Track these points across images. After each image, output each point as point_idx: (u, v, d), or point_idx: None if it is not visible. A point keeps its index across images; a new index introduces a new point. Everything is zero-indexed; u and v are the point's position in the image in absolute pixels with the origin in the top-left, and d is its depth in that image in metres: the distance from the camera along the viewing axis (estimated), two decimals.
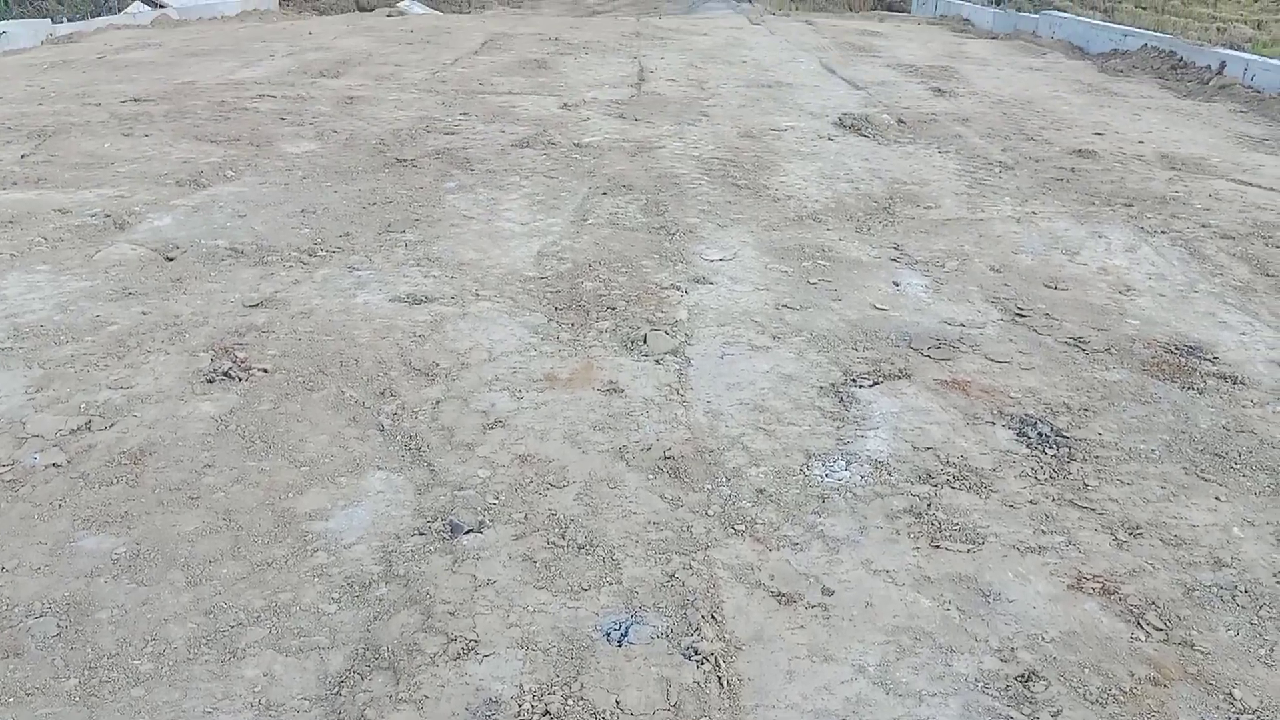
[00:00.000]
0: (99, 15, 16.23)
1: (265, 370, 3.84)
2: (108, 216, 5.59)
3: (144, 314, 4.33)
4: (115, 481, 3.11)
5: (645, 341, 4.22)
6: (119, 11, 16.79)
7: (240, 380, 3.75)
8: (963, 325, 4.44)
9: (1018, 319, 4.51)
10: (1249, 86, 10.24)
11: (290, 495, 3.07)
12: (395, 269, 4.98)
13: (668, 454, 3.33)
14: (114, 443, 3.32)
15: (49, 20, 14.63)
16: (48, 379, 3.73)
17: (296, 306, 4.46)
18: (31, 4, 17.03)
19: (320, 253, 5.18)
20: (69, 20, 15.32)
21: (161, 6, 17.27)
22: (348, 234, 5.48)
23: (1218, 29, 18.48)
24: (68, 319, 4.26)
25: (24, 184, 6.24)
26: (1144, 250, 5.44)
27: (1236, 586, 2.74)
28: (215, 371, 3.79)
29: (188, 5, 17.73)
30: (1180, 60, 11.84)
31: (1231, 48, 12.28)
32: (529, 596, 2.65)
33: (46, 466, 3.17)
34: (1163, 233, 5.72)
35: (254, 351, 4.00)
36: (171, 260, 4.99)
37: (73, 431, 3.38)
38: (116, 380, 3.73)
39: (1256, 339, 4.33)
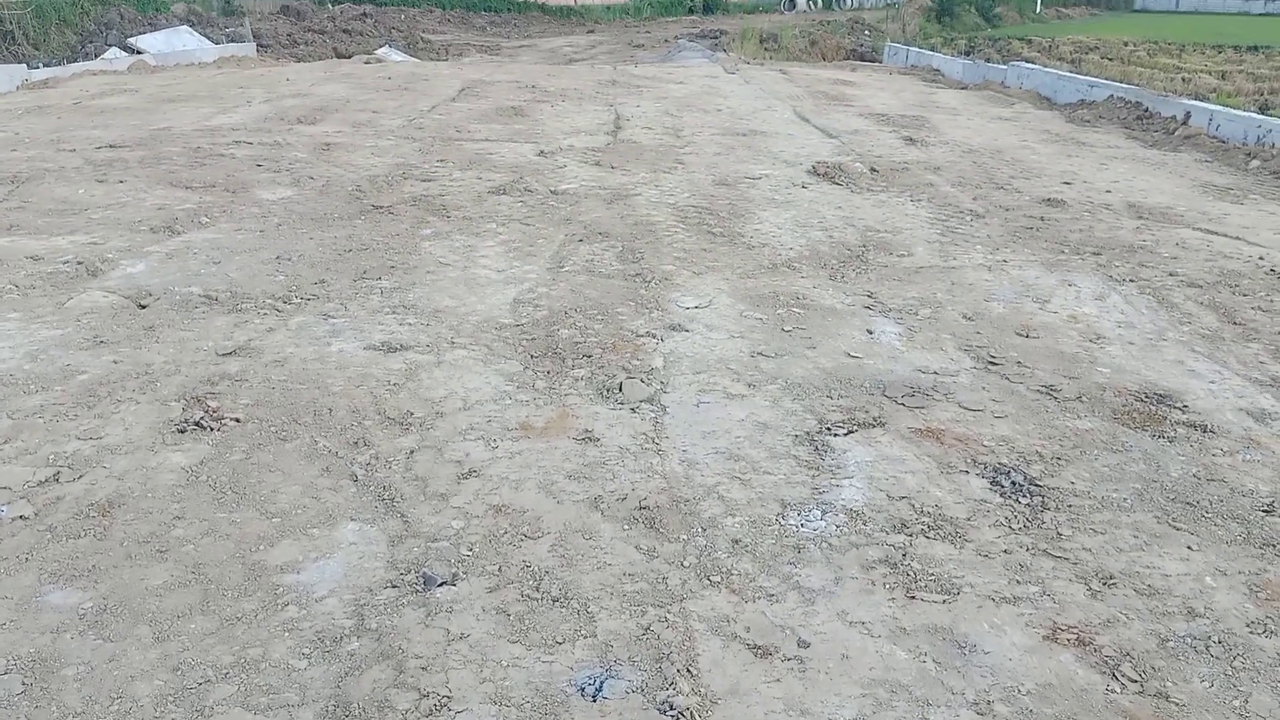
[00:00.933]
0: (76, 61, 16.26)
1: (237, 420, 3.80)
2: (80, 263, 5.56)
3: (115, 363, 4.30)
4: (83, 534, 3.06)
5: (621, 389, 4.22)
6: (96, 57, 16.82)
7: (212, 430, 3.72)
8: (936, 373, 4.47)
9: (990, 367, 4.55)
10: (1214, 136, 10.46)
11: (261, 547, 3.03)
12: (370, 316, 4.97)
13: (643, 504, 3.32)
14: (82, 494, 3.27)
15: (25, 66, 14.63)
16: (16, 429, 3.69)
17: (270, 355, 4.44)
18: (8, 49, 17.05)
19: (295, 300, 5.16)
20: (45, 65, 15.33)
21: (139, 53, 17.32)
22: (323, 281, 5.47)
23: (1183, 79, 18.90)
24: (38, 368, 4.22)
25: None
26: (1113, 299, 5.51)
27: (1210, 637, 2.75)
28: (186, 421, 3.76)
29: (165, 51, 17.79)
30: (1146, 110, 12.09)
31: (1196, 98, 12.56)
32: (503, 650, 2.62)
33: (14, 519, 3.12)
34: (1131, 281, 5.80)
35: (226, 400, 3.97)
36: (144, 308, 4.96)
37: (41, 483, 3.33)
38: (86, 430, 3.69)
39: (1225, 387, 4.38)
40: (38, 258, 5.67)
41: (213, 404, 3.92)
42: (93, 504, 3.22)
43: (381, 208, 7.06)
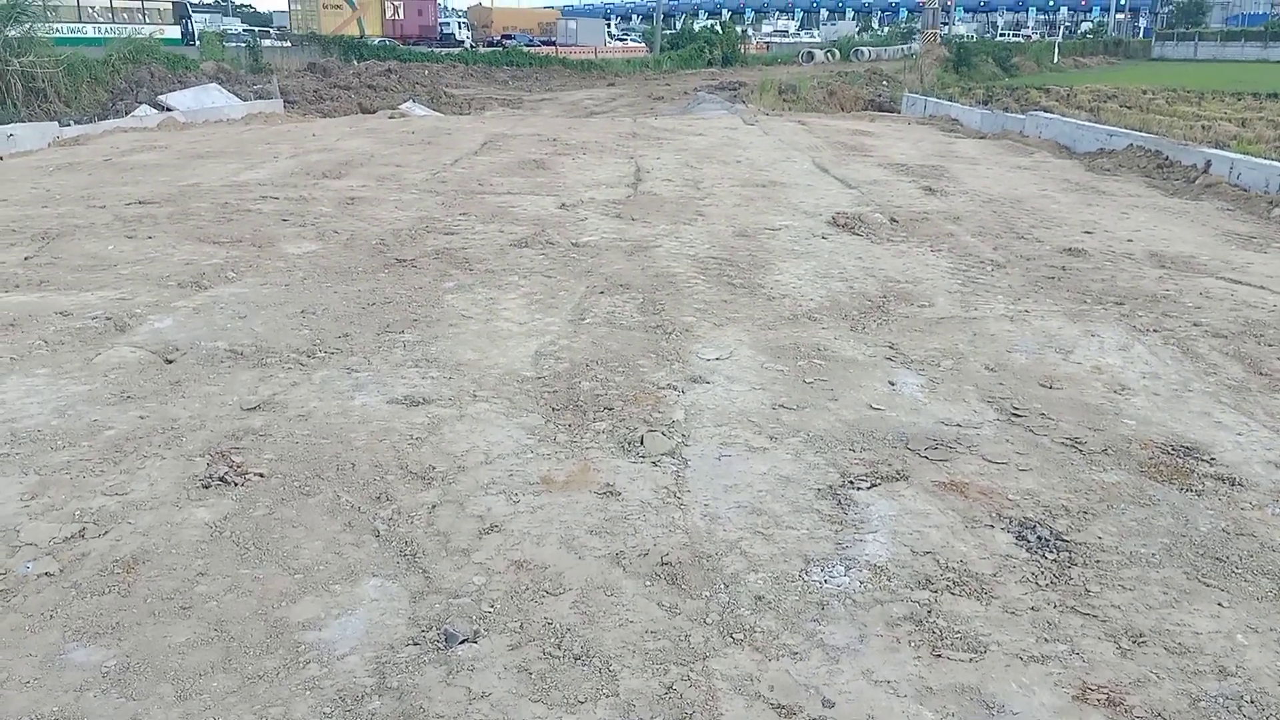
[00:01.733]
0: (106, 118, 16.61)
1: (261, 475, 3.83)
2: (109, 319, 5.64)
3: (141, 418, 4.34)
4: (107, 591, 3.07)
5: (642, 443, 4.22)
6: (126, 114, 17.18)
7: (236, 485, 3.74)
8: (959, 425, 4.44)
9: (1014, 419, 4.52)
10: (1235, 185, 10.44)
11: (283, 604, 3.03)
12: (393, 370, 5.01)
13: (665, 560, 3.30)
14: (107, 551, 3.29)
15: (56, 123, 14.96)
16: (43, 485, 3.72)
17: (294, 409, 4.47)
18: (40, 107, 17.45)
19: (319, 354, 5.21)
20: (77, 123, 15.67)
21: (169, 109, 17.68)
22: (347, 335, 5.52)
23: (1203, 127, 18.94)
24: (65, 424, 4.27)
25: (26, 286, 6.31)
26: (1137, 349, 5.48)
27: (1242, 696, 2.70)
28: (211, 477, 3.78)
29: (194, 108, 18.15)
30: (1166, 159, 12.09)
31: (1217, 146, 12.57)
32: (524, 710, 2.60)
33: (39, 576, 3.14)
34: (1155, 331, 5.77)
35: (250, 456, 3.99)
36: (171, 363, 5.02)
37: (66, 539, 3.35)
38: (112, 486, 3.72)
39: (1253, 439, 4.34)
40: (67, 313, 5.75)
41: (237, 459, 3.94)
42: (117, 560, 3.24)
43: (405, 261, 7.14)
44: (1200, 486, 3.89)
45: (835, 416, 4.53)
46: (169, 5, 54.58)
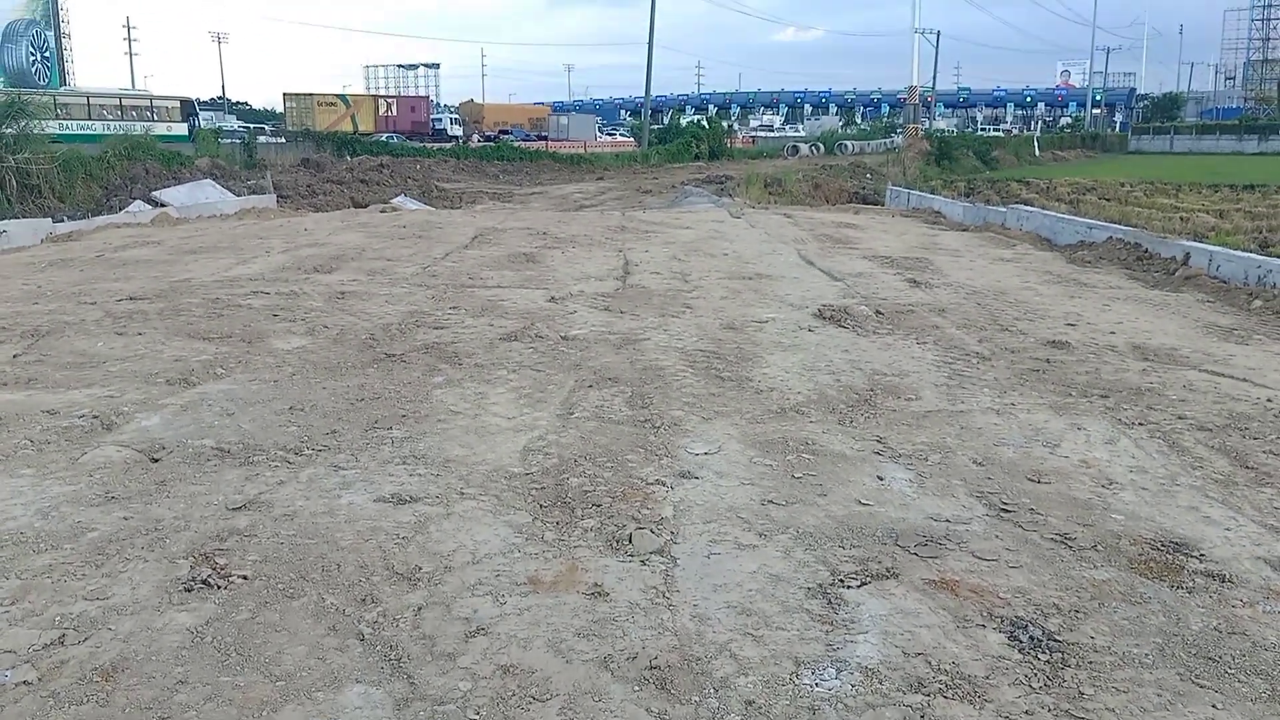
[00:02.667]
0: (100, 214, 16.81)
1: (245, 577, 3.78)
2: (96, 417, 5.62)
3: (125, 519, 4.30)
4: (86, 700, 3.01)
5: (631, 541, 4.20)
6: (120, 210, 17.38)
7: (219, 588, 3.69)
8: (948, 521, 4.43)
9: (1003, 514, 4.51)
10: (1214, 277, 10.61)
11: (264, 713, 2.97)
12: (381, 467, 4.99)
13: (654, 663, 3.26)
14: (87, 658, 3.23)
15: (50, 219, 15.12)
16: (24, 590, 3.67)
17: (280, 509, 4.44)
18: (34, 202, 17.66)
19: (306, 451, 5.19)
20: (70, 218, 15.84)
21: (163, 205, 17.90)
22: (335, 431, 5.51)
23: (1181, 218, 19.30)
24: (48, 525, 4.23)
25: (14, 385, 6.30)
26: (1123, 443, 5.50)
27: None
28: (194, 580, 3.74)
29: (188, 203, 18.39)
30: (1145, 251, 12.30)
31: (1195, 237, 12.81)
32: None
33: (17, 685, 3.07)
34: (1141, 425, 5.80)
35: (234, 557, 3.95)
36: (157, 461, 5.00)
37: (46, 646, 3.29)
38: (93, 591, 3.67)
39: (1241, 535, 4.33)
40: (54, 412, 5.74)
41: (220, 561, 3.90)
42: (96, 668, 3.17)
43: (394, 356, 7.17)
44: (1191, 584, 3.88)
45: (824, 512, 4.52)
46: (177, 104, 56.07)
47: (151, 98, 57.11)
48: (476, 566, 3.94)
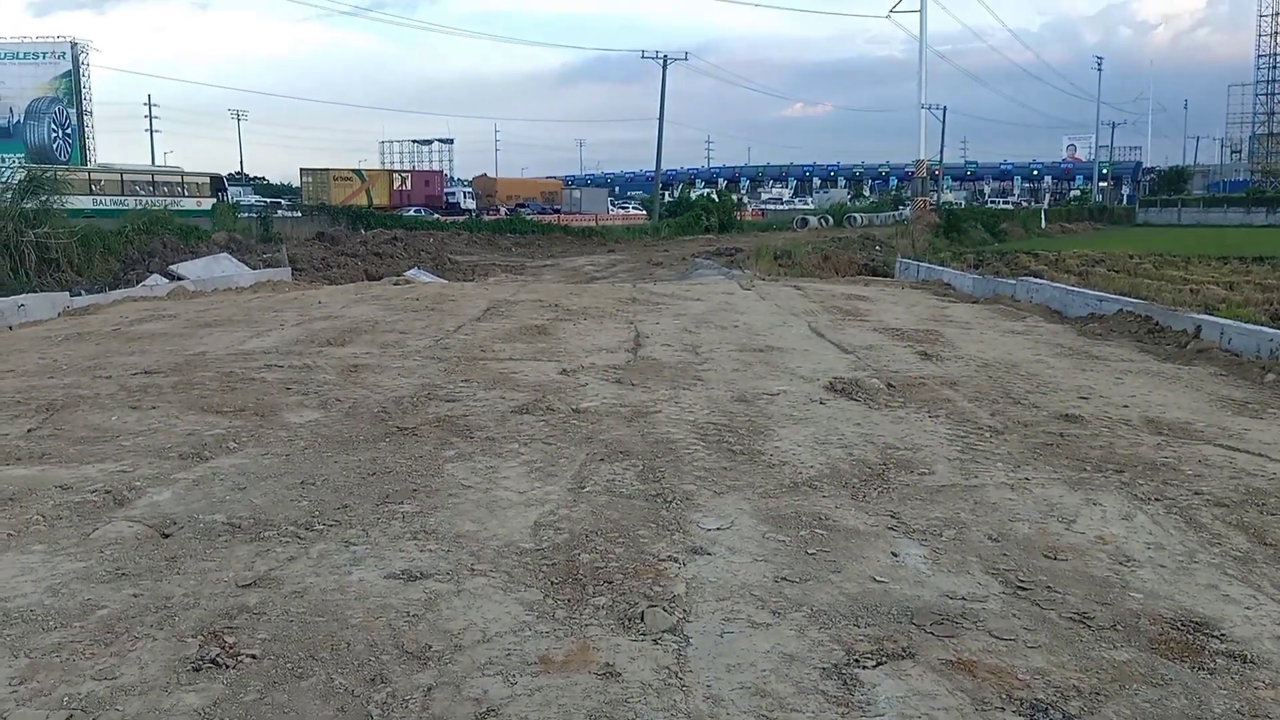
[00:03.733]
0: (117, 287, 17.02)
1: (254, 656, 3.75)
2: (108, 492, 5.63)
3: (135, 596, 4.28)
4: None
5: (643, 619, 4.15)
6: (137, 284, 17.61)
7: (227, 668, 3.66)
8: (964, 599, 4.38)
9: (1019, 592, 4.46)
10: (1226, 350, 10.59)
11: None
12: (391, 543, 4.97)
13: None
14: None
15: (67, 293, 15.32)
16: (33, 669, 3.64)
17: (290, 585, 4.42)
18: (52, 276, 17.90)
19: (317, 526, 5.18)
20: (88, 292, 16.04)
21: (179, 278, 18.12)
22: (346, 506, 5.50)
23: (1191, 290, 19.38)
24: (58, 603, 4.21)
25: (28, 459, 6.33)
26: (1140, 519, 5.45)
27: None
28: (202, 659, 3.71)
29: (204, 277, 18.62)
30: (1156, 324, 12.30)
31: (1206, 310, 12.82)
32: None
33: None
34: (1157, 500, 5.75)
35: (244, 635, 3.92)
36: (168, 537, 4.99)
37: None
38: (102, 670, 3.64)
39: (1262, 613, 4.26)
40: (67, 487, 5.75)
41: (230, 640, 3.87)
42: None
43: (406, 429, 7.18)
44: (1212, 664, 3.81)
45: (838, 589, 4.47)
46: (207, 179, 57.52)
47: (183, 174, 58.84)
48: (487, 645, 3.90)
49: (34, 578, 4.47)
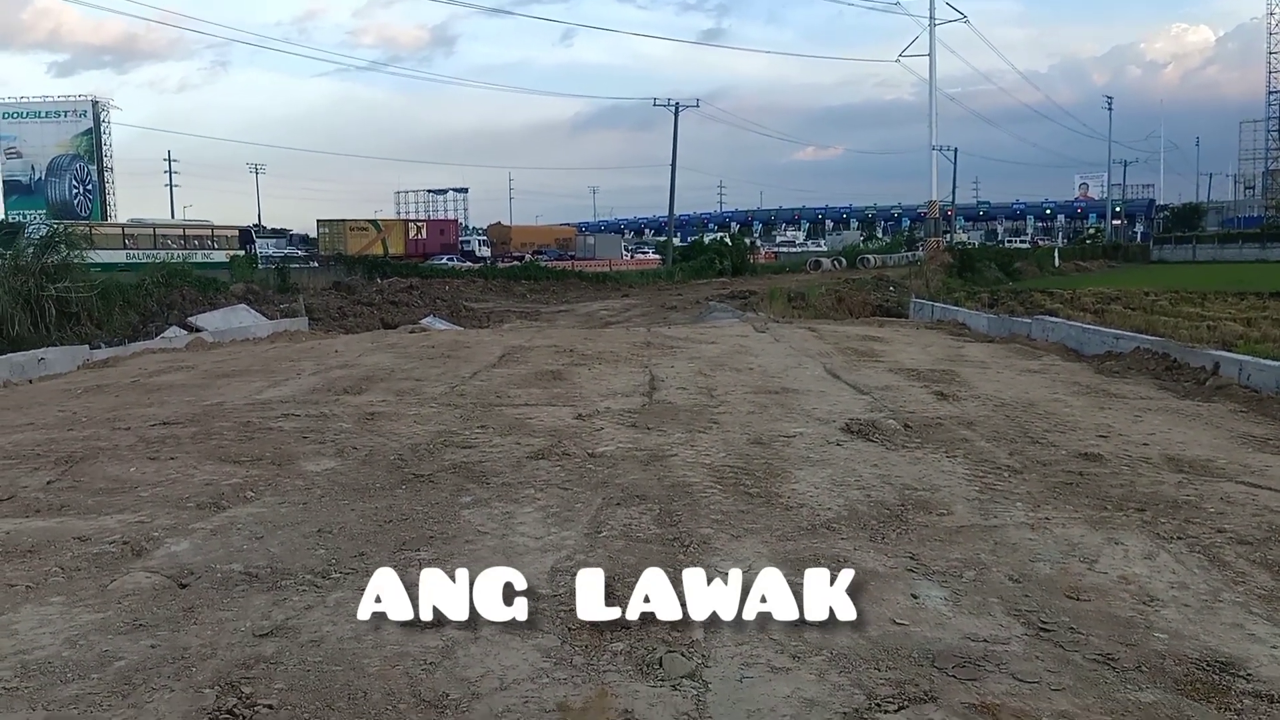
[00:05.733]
0: (137, 339, 17.17)
1: (270, 707, 3.74)
2: (126, 544, 5.65)
3: (152, 647, 4.28)
4: None
5: (661, 664, 4.12)
6: (156, 336, 17.76)
7: (244, 719, 3.64)
8: (986, 641, 4.33)
9: (1042, 633, 4.40)
10: (1246, 386, 10.51)
11: None
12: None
13: None
14: None
15: (87, 346, 15.46)
16: None
17: (307, 635, 4.41)
18: (72, 329, 18.08)
19: (334, 575, 5.18)
20: (107, 345, 16.19)
21: (198, 330, 18.27)
22: (363, 554, 5.49)
23: (1208, 327, 19.29)
24: (76, 654, 4.21)
25: (47, 511, 6.36)
26: (1163, 558, 5.39)
27: None
28: (219, 710, 3.69)
29: (223, 328, 18.78)
30: (1174, 361, 12.23)
31: (1224, 347, 12.75)
32: None
33: None
34: (1179, 539, 5.69)
35: (260, 686, 3.91)
36: (185, 587, 4.99)
37: None
38: None
39: None
40: (85, 538, 5.77)
41: (246, 690, 3.86)
42: None
43: (422, 476, 7.19)
44: (1239, 705, 3.75)
45: (859, 633, 4.42)
46: (236, 233, 58.82)
47: (213, 227, 60.27)
48: (505, 693, 3.88)
49: (52, 629, 4.48)
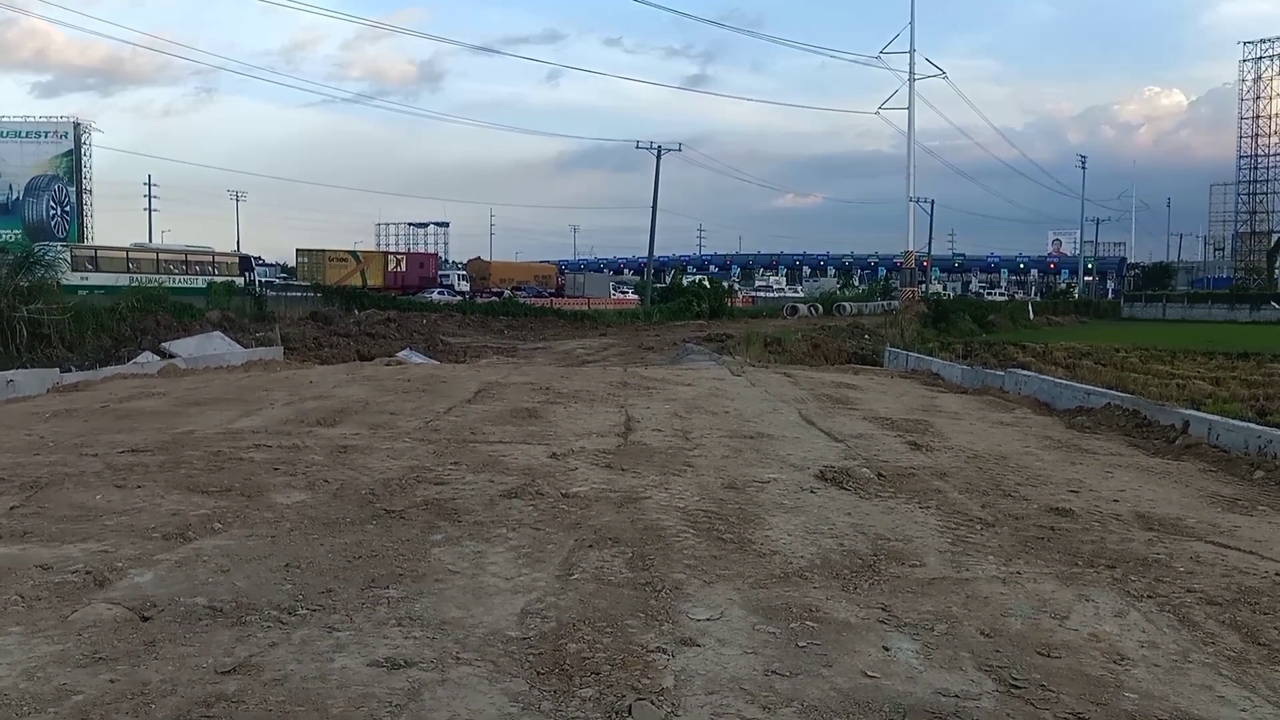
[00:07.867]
0: (109, 364, 16.97)
1: None
2: (89, 573, 5.55)
3: (111, 682, 4.19)
4: None
5: (630, 713, 4.07)
6: (129, 361, 17.57)
7: None
8: (957, 696, 4.31)
9: (1013, 690, 4.39)
10: (1215, 445, 10.61)
11: None
12: (376, 629, 4.88)
13: None
14: None
15: (58, 369, 15.26)
16: None
17: (270, 673, 4.33)
18: (44, 352, 17.86)
19: (300, 611, 5.10)
20: (78, 368, 15.99)
21: (171, 356, 18.10)
22: (330, 590, 5.42)
23: (1178, 385, 19.49)
24: (33, 687, 4.11)
25: (9, 538, 6.24)
26: (1133, 616, 5.40)
27: None
28: None
29: (196, 355, 18.61)
30: (1144, 419, 12.35)
31: (1193, 405, 12.87)
32: None
33: None
34: (1149, 597, 5.71)
35: None
36: (147, 620, 4.90)
37: None
38: None
39: (1256, 715, 4.20)
40: (47, 567, 5.66)
41: None
42: None
43: (393, 512, 7.12)
44: None
45: (829, 684, 4.40)
46: (235, 259, 59.25)
47: (214, 254, 60.52)
48: None
49: (9, 660, 4.38)
